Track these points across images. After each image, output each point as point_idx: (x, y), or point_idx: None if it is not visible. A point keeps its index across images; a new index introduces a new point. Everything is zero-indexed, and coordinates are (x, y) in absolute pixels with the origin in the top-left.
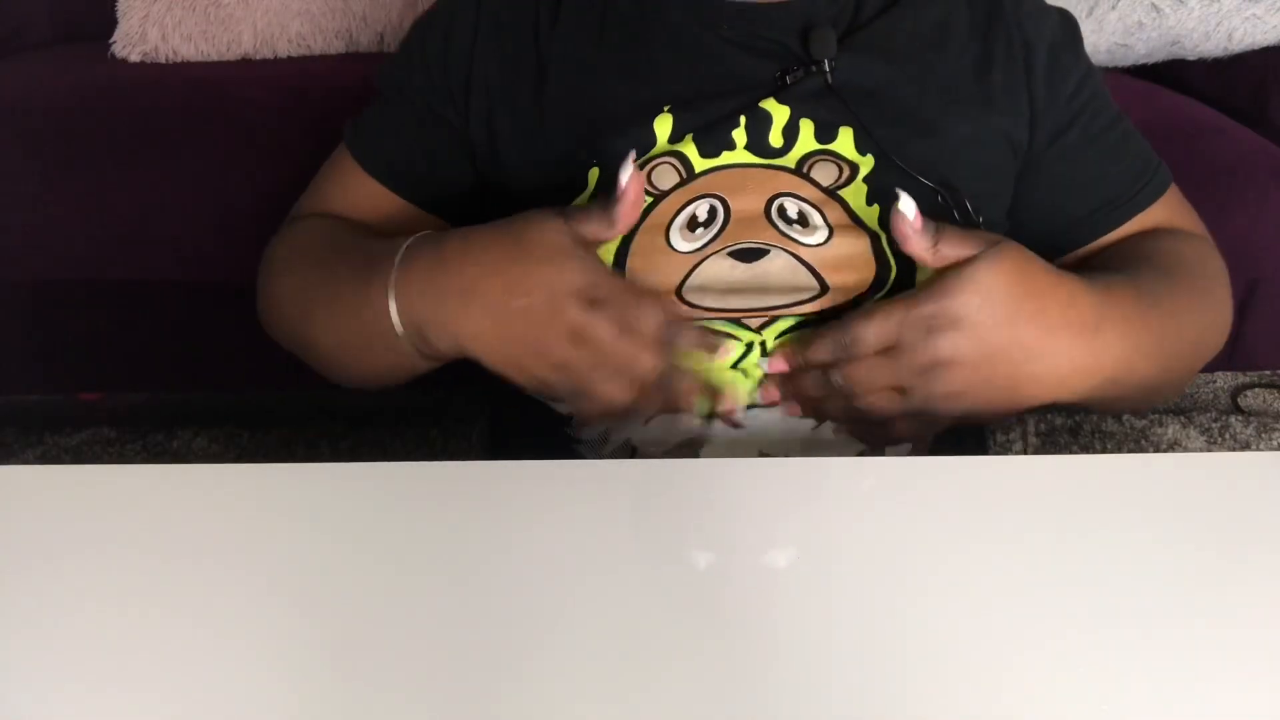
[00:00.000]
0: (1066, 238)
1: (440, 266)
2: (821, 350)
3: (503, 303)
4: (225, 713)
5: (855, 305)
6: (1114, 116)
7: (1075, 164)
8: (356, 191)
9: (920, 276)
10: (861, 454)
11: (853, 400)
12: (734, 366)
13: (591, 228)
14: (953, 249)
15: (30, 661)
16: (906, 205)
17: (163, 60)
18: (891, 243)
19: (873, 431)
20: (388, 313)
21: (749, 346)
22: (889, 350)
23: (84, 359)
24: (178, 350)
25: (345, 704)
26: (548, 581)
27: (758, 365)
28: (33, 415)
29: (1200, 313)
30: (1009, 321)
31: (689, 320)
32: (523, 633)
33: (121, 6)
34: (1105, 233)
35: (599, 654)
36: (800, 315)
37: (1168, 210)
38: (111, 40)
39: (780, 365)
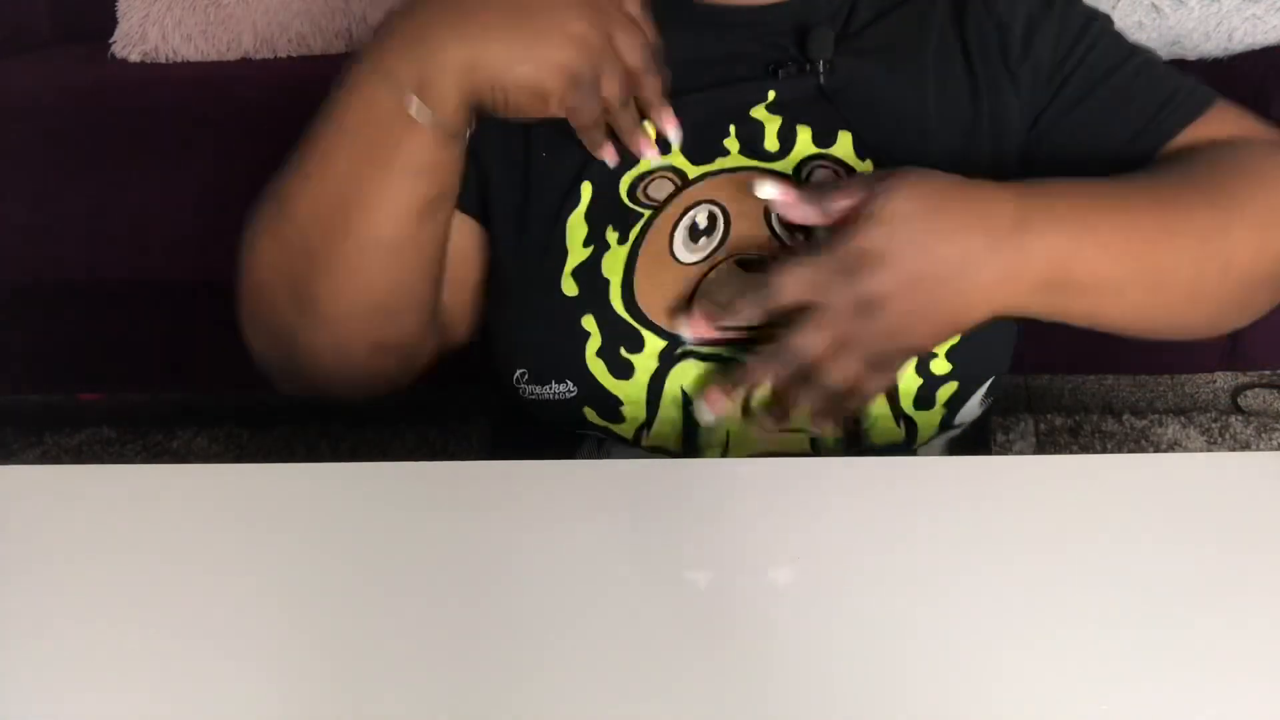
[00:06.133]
0: None
1: (420, 12)
2: (743, 304)
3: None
4: (225, 712)
5: None
6: (1117, 61)
7: (1076, 122)
8: None
9: None
10: (854, 449)
11: (803, 377)
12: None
13: None
14: (846, 199)
15: (30, 661)
16: (765, 190)
17: (163, 60)
18: None
19: (836, 408)
20: (384, 87)
21: None
22: (816, 307)
23: (84, 359)
24: (178, 350)
25: (345, 704)
26: (548, 581)
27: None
28: (33, 415)
29: (1224, 211)
30: (923, 240)
31: None
32: (523, 632)
33: (121, 6)
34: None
35: (599, 653)
36: None
37: (1211, 128)
38: (111, 40)
39: (702, 329)
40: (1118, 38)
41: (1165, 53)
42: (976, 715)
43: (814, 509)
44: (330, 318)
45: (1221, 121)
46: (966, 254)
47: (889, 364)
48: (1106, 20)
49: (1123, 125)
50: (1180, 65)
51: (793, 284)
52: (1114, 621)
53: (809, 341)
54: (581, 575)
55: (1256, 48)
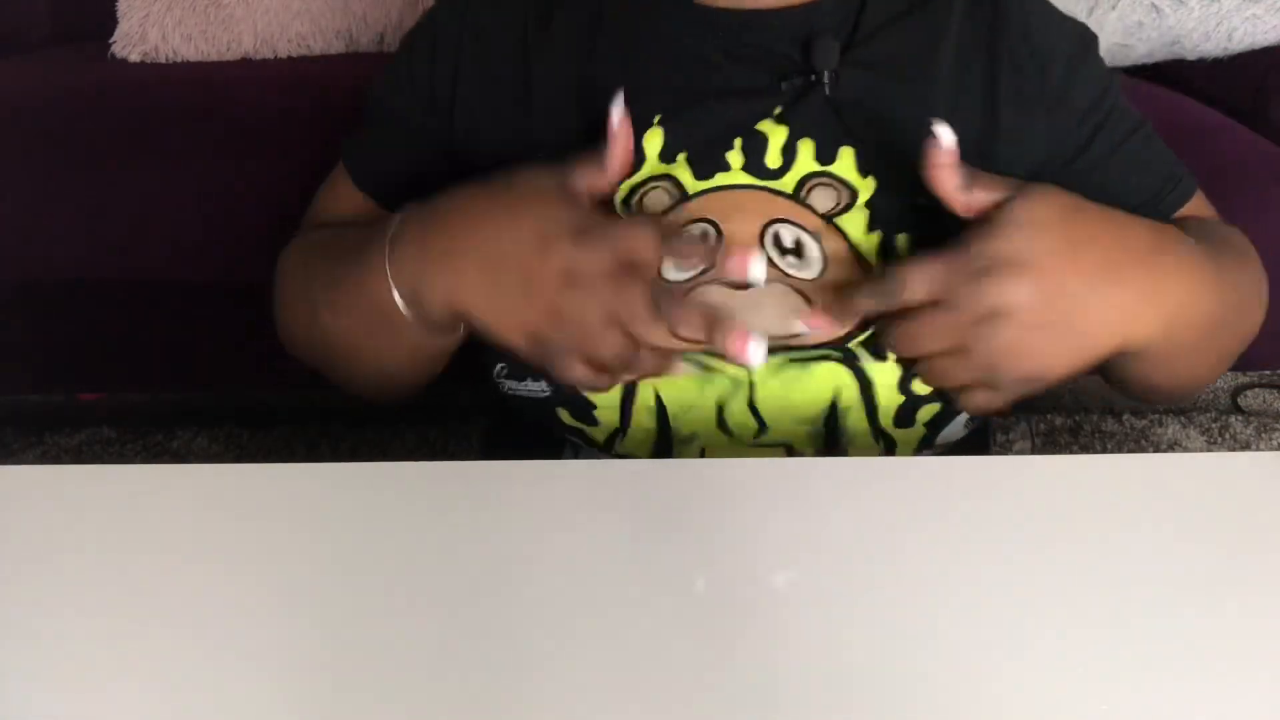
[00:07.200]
0: None
1: (431, 224)
2: (865, 301)
3: (490, 250)
4: (225, 713)
5: (847, 340)
6: (1133, 127)
7: (1095, 181)
8: (351, 207)
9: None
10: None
11: (910, 366)
12: (720, 409)
13: (583, 176)
14: (987, 193)
15: (30, 661)
16: (944, 132)
17: (163, 60)
18: None
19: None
20: (386, 283)
21: (735, 386)
22: (940, 306)
23: (84, 359)
24: (178, 350)
25: (344, 704)
26: (548, 581)
27: (800, 324)
28: (33, 415)
29: (1240, 273)
30: (1065, 255)
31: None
32: (522, 633)
33: (121, 6)
34: None
35: (598, 654)
36: (791, 349)
37: (1194, 209)
38: (111, 40)
39: (820, 324)
40: (1127, 104)
41: (1165, 53)
42: (976, 715)
43: (813, 509)
44: (353, 387)
45: (1199, 205)
46: (1108, 274)
47: (1000, 385)
48: (1118, 78)
49: (1133, 192)
50: (1180, 65)
51: (921, 280)
52: (1114, 621)
53: (924, 337)
54: (581, 575)
55: (1256, 48)
